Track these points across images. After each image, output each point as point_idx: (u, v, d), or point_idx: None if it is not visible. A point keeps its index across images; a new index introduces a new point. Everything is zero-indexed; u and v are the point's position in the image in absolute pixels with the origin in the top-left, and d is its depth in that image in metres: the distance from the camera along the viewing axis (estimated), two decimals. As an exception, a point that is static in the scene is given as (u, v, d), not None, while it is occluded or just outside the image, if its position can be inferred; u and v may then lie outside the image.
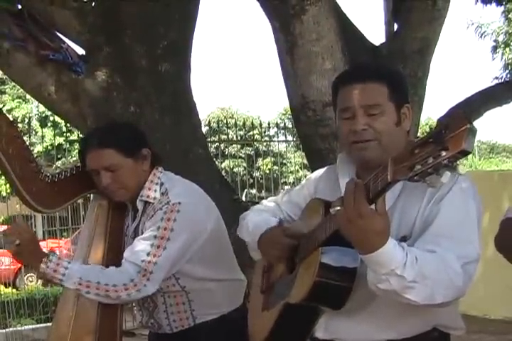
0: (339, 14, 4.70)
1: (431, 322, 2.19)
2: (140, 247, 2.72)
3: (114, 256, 2.86)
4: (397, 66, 4.73)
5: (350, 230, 1.86)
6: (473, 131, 1.50)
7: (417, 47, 4.84)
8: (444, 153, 1.52)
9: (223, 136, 10.28)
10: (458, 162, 1.58)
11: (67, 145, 16.77)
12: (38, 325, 8.52)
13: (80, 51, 4.60)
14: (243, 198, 11.23)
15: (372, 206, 1.83)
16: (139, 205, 2.84)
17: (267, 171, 14.32)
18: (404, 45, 4.87)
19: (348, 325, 2.22)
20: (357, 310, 2.17)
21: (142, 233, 2.80)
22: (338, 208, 1.86)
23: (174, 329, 2.93)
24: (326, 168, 2.57)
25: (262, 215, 2.61)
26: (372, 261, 1.88)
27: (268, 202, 2.74)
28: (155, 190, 2.81)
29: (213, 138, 13.07)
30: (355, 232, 1.85)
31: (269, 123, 12.09)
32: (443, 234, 2.01)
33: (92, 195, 3.07)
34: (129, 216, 2.95)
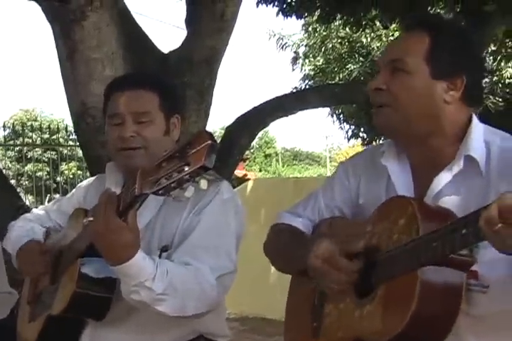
0: (129, 22, 4.69)
1: (196, 330, 2.23)
2: None
3: None
4: (184, 74, 4.78)
5: (99, 242, 1.87)
6: (213, 148, 1.53)
7: (205, 56, 4.90)
8: (186, 168, 1.54)
9: (26, 140, 10.01)
10: (205, 177, 1.59)
11: None
12: None
13: None
14: (46, 203, 10.93)
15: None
16: None
17: (71, 176, 14.05)
18: (193, 53, 4.91)
19: (114, 335, 2.22)
20: (121, 320, 2.18)
21: None
22: (91, 219, 1.87)
23: None
24: (96, 176, 2.56)
25: (28, 225, 2.54)
26: (122, 272, 1.91)
27: (38, 211, 2.69)
28: None
29: (16, 142, 12.68)
30: (103, 244, 1.86)
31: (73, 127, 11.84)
32: (200, 246, 2.06)
33: None
34: None
